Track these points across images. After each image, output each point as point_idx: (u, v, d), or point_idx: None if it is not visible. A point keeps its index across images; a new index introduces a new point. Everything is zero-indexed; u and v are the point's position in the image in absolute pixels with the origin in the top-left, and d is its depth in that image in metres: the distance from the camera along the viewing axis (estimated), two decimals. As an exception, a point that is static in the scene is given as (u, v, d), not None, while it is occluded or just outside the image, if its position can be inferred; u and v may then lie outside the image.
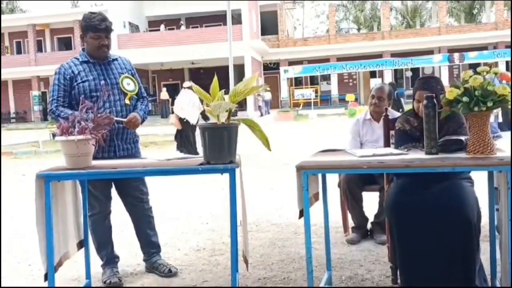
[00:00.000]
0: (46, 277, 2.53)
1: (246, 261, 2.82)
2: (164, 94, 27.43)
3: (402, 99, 12.23)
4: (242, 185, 2.68)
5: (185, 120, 9.86)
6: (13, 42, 35.75)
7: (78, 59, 3.26)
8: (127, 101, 3.24)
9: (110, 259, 3.30)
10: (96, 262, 3.29)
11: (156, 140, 13.92)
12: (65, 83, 3.16)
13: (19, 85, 34.22)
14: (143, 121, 3.30)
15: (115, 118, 3.10)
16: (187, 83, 10.56)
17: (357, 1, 43.14)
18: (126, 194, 3.35)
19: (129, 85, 3.28)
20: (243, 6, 26.90)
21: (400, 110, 11.50)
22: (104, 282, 3.18)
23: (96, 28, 3.16)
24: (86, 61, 3.24)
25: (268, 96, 30.05)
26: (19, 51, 35.47)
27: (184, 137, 10.21)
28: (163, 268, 3.33)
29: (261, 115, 26.35)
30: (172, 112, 10.45)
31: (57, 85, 3.17)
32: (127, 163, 2.74)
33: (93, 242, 3.27)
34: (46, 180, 2.46)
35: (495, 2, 32.76)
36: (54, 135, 2.90)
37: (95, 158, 2.99)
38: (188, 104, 9.82)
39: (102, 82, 3.15)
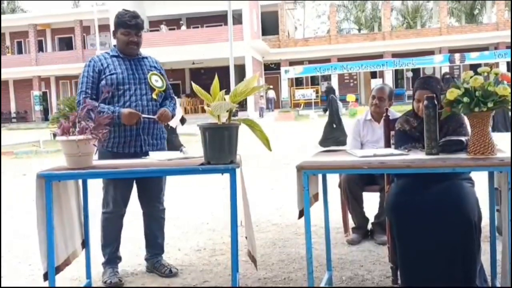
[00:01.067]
0: (45, 277, 2.54)
1: (254, 260, 2.81)
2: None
3: (339, 103, 12.48)
4: (243, 185, 2.68)
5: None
6: (14, 42, 35.79)
7: (108, 53, 3.31)
8: (154, 96, 3.27)
9: (112, 259, 3.30)
10: (97, 262, 3.29)
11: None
12: (93, 75, 3.19)
13: (20, 85, 34.26)
14: (171, 118, 3.32)
15: (143, 116, 3.15)
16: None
17: (358, 2, 43.14)
18: (147, 191, 3.35)
19: (157, 81, 3.31)
20: (244, 6, 26.90)
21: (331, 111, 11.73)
22: (105, 282, 3.17)
23: (126, 24, 3.22)
24: (116, 56, 3.28)
25: (272, 94, 30.61)
26: (20, 51, 35.51)
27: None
28: (163, 269, 3.33)
29: (260, 116, 26.40)
30: None
31: (86, 77, 3.20)
32: (128, 163, 2.74)
33: (100, 238, 3.29)
34: (47, 180, 2.46)
35: (496, 2, 32.75)
36: (55, 135, 2.89)
37: (121, 153, 3.11)
38: None
39: (103, 82, 3.16)
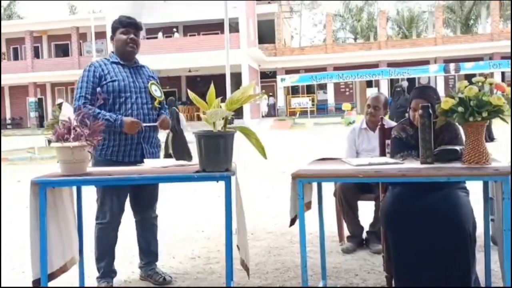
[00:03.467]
0: (34, 284, 2.52)
1: (246, 269, 2.79)
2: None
3: (181, 115, 12.75)
4: (239, 193, 2.67)
5: None
6: (10, 48, 35.74)
7: (108, 59, 3.27)
8: (156, 105, 3.26)
9: (107, 273, 3.23)
10: (91, 270, 3.26)
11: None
12: (94, 81, 3.13)
13: (15, 91, 34.19)
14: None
15: (145, 124, 3.13)
16: (59, 100, 11.67)
17: (354, 11, 43.40)
18: (140, 199, 3.30)
19: (157, 91, 3.30)
20: (240, 14, 26.99)
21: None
22: (99, 290, 3.15)
23: (125, 22, 3.22)
24: (116, 62, 3.24)
25: (271, 100, 32.35)
26: (16, 57, 35.46)
27: None
28: (157, 277, 3.30)
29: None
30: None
31: (86, 82, 3.13)
32: (123, 170, 2.73)
33: (95, 250, 3.23)
34: (41, 187, 2.45)
35: (491, 13, 33.02)
36: (49, 142, 2.88)
37: (121, 161, 3.08)
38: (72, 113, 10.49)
39: (98, 89, 3.10)
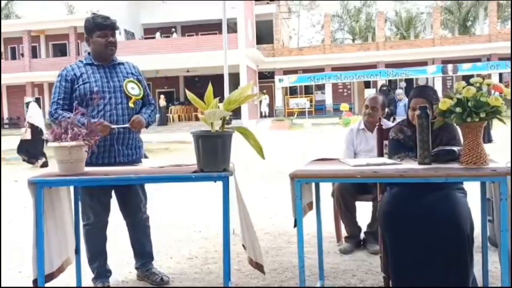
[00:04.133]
0: (34, 283, 2.52)
1: (260, 267, 2.75)
2: (161, 102, 27.59)
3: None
4: (239, 193, 2.66)
5: (39, 129, 10.72)
6: (8, 48, 35.69)
7: (82, 62, 3.21)
8: (131, 105, 3.16)
9: (101, 273, 3.22)
10: (88, 270, 3.26)
11: (151, 148, 13.90)
12: (66, 85, 3.10)
13: (13, 90, 34.12)
14: (148, 125, 3.22)
15: (115, 126, 3.05)
16: (28, 99, 12.48)
17: (352, 12, 43.47)
18: (127, 202, 3.27)
19: (134, 89, 3.20)
20: (238, 14, 27.01)
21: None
22: (96, 289, 3.14)
23: (102, 25, 3.13)
24: (90, 64, 3.18)
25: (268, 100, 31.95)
26: (13, 57, 35.40)
27: (34, 144, 10.83)
28: (155, 277, 3.29)
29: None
30: (30, 126, 11.04)
31: (58, 87, 3.10)
32: (120, 170, 2.72)
33: (86, 252, 3.20)
34: (38, 186, 2.45)
35: (488, 14, 33.11)
36: (46, 141, 2.86)
37: (94, 163, 2.99)
38: (38, 113, 11.20)
39: (96, 89, 3.07)
